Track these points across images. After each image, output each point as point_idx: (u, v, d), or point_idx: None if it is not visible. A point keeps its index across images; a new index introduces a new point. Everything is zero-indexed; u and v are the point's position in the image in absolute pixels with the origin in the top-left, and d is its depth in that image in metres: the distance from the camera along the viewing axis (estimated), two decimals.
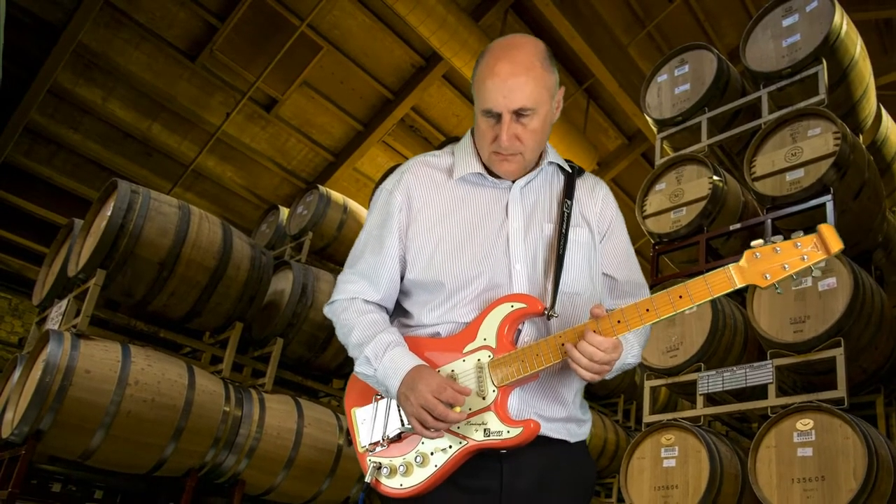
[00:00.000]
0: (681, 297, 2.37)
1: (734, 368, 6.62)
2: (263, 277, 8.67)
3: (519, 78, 2.51)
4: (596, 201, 2.86)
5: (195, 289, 8.04)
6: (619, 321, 2.40)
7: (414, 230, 2.71)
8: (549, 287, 2.61)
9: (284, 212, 13.28)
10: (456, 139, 9.98)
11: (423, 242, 2.68)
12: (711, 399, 6.92)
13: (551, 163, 2.83)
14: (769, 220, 7.15)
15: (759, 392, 6.59)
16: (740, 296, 7.83)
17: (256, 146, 16.65)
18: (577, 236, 2.72)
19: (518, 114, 2.53)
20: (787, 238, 2.34)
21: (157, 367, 7.26)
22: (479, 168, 2.73)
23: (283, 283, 9.47)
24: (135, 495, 8.45)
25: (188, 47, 14.57)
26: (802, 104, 7.34)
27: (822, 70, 7.41)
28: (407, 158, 15.90)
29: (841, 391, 5.93)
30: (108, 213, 7.56)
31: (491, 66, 2.55)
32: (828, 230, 2.27)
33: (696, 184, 7.84)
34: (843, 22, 7.59)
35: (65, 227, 9.14)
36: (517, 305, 2.50)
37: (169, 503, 8.13)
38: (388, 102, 16.20)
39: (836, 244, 2.26)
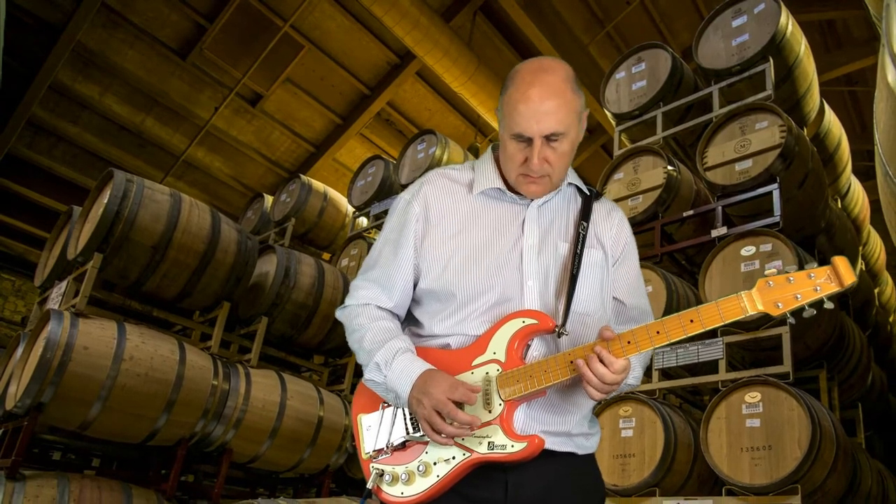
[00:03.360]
0: (692, 321, 2.25)
1: (687, 345, 6.58)
2: (249, 260, 8.57)
3: (551, 103, 2.37)
4: (612, 225, 2.71)
5: (186, 271, 7.96)
6: (629, 342, 2.28)
7: (430, 240, 2.56)
8: (561, 305, 2.47)
9: (269, 199, 13.30)
10: (430, 132, 9.93)
11: (439, 253, 2.54)
12: (666, 373, 6.88)
13: (570, 184, 2.70)
14: (720, 207, 7.13)
15: (711, 367, 6.55)
16: (692, 277, 7.80)
17: (243, 138, 16.65)
18: (591, 257, 2.58)
19: (548, 138, 2.40)
20: (800, 268, 2.22)
21: (151, 344, 7.19)
22: (499, 183, 2.59)
23: (267, 266, 9.38)
24: (129, 463, 8.42)
25: (179, 46, 14.54)
26: (751, 99, 7.36)
27: (769, 67, 7.43)
28: (383, 150, 16.04)
29: (786, 366, 5.93)
30: (105, 201, 7.46)
31: (523, 91, 2.40)
32: (842, 263, 2.16)
33: (652, 173, 7.81)
34: (788, 23, 7.60)
35: (64, 214, 9.05)
36: (528, 321, 2.37)
37: (161, 470, 8.06)
38: (365, 98, 16.20)
39: (850, 277, 2.15)
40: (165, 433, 7.31)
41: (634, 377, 2.54)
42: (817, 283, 2.17)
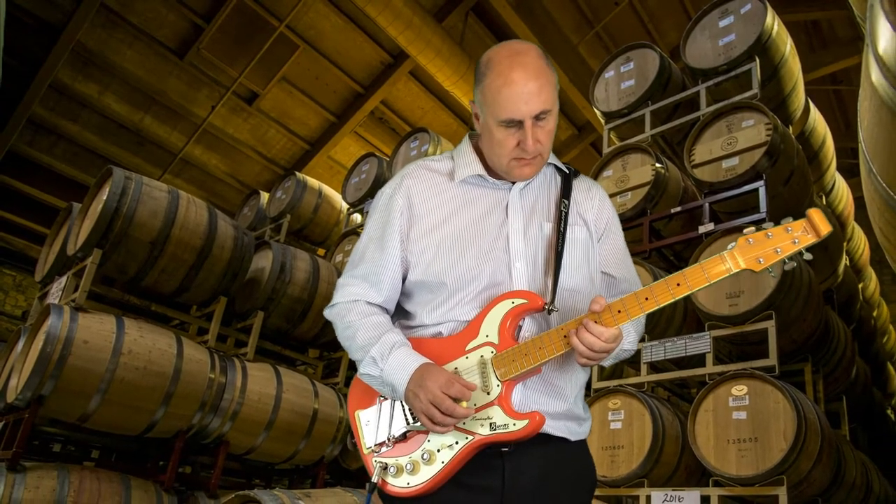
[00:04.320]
0: (679, 284, 2.26)
1: (675, 339, 6.59)
2: (245, 256, 8.56)
3: (535, 83, 2.35)
4: (593, 202, 2.70)
5: (183, 266, 7.95)
6: (619, 311, 2.27)
7: (416, 232, 2.53)
8: (549, 283, 2.46)
9: (265, 196, 13.28)
10: (422, 130, 9.90)
11: (426, 244, 2.51)
12: (654, 367, 6.88)
13: (549, 164, 2.68)
14: (707, 204, 7.12)
15: (698, 360, 6.56)
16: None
17: (239, 136, 16.63)
18: (575, 235, 2.57)
19: (537, 118, 2.37)
20: (777, 224, 2.23)
21: (149, 338, 7.18)
22: (480, 170, 2.57)
23: (263, 262, 9.38)
24: (128, 455, 8.41)
25: (177, 46, 14.50)
26: (737, 98, 7.34)
27: (756, 67, 7.42)
28: (377, 147, 16.03)
29: (772, 360, 5.93)
30: (104, 198, 7.46)
31: (505, 76, 2.36)
32: (817, 214, 2.18)
33: (640, 171, 7.80)
34: (774, 23, 7.59)
35: (64, 210, 9.03)
36: (518, 301, 2.36)
37: (159, 462, 8.06)
38: (359, 96, 16.15)
39: (825, 227, 2.17)
40: (163, 425, 7.31)
41: (630, 342, 2.54)
42: (795, 236, 2.20)
